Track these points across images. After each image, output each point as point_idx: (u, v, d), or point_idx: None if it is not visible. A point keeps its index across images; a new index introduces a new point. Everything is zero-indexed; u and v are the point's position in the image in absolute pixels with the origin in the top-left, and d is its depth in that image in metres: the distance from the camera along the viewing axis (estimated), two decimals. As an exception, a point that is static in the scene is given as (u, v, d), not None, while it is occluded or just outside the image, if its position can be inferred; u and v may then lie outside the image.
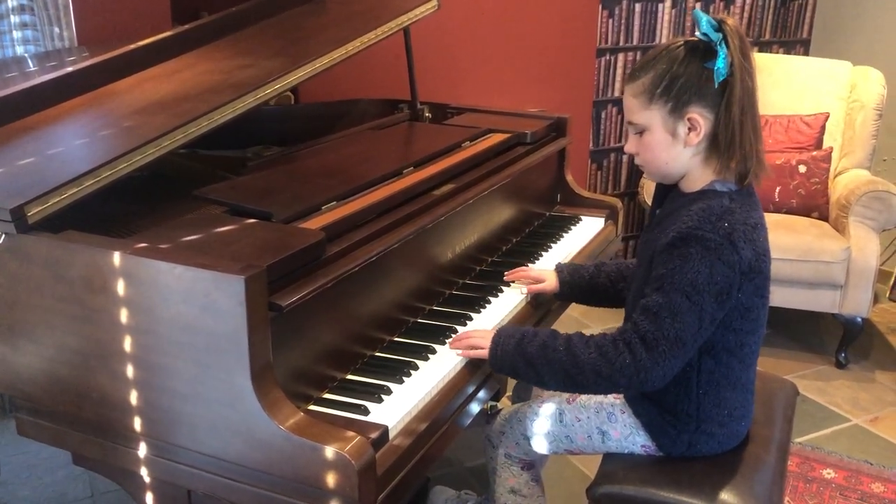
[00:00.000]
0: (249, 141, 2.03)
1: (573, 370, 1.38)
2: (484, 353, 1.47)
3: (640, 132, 1.44)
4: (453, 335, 1.55)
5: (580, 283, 1.78)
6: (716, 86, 1.35)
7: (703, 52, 1.37)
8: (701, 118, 1.38)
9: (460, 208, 1.74)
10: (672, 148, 1.42)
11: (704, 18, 1.35)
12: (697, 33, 1.36)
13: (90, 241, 1.27)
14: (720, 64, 1.34)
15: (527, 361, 1.42)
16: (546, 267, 1.93)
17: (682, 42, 1.40)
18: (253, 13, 2.13)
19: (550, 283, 1.80)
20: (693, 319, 1.33)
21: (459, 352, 1.50)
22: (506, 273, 1.82)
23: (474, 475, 2.34)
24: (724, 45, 1.34)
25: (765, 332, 1.51)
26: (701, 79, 1.36)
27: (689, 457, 1.51)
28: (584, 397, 1.61)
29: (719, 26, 1.35)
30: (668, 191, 1.52)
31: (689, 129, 1.39)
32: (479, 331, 1.54)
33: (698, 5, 3.79)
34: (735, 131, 1.36)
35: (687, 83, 1.37)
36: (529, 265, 1.93)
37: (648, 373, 1.34)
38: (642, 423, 1.52)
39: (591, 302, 1.82)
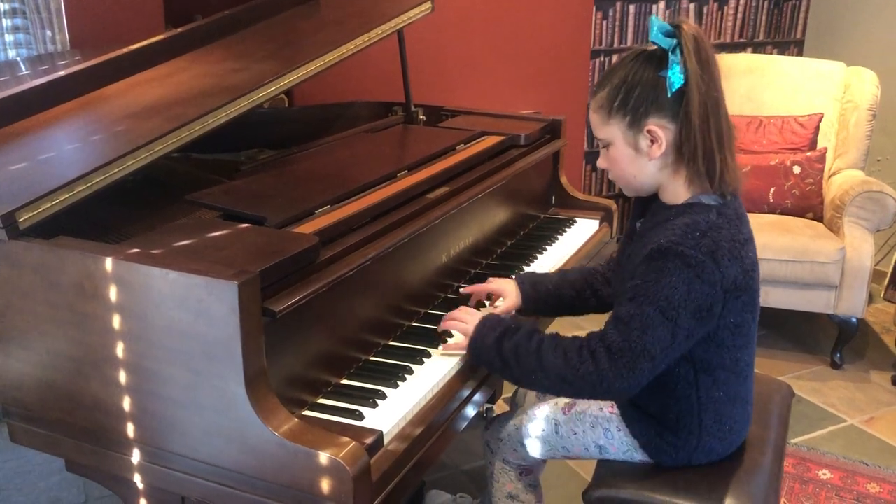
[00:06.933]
0: (243, 144, 2.02)
1: (540, 373, 1.36)
2: (465, 342, 1.46)
3: (607, 146, 1.39)
4: (448, 339, 1.54)
5: (544, 296, 1.66)
6: (668, 95, 1.29)
7: (658, 60, 1.31)
8: (661, 130, 1.32)
9: (455, 211, 1.74)
10: (636, 161, 1.36)
11: (656, 25, 1.30)
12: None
13: (82, 247, 1.26)
14: (672, 72, 1.27)
15: (502, 360, 1.40)
16: (541, 266, 1.92)
17: (640, 51, 1.35)
18: (246, 16, 2.12)
19: (511, 299, 1.64)
20: (665, 334, 1.28)
21: (441, 348, 1.49)
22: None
23: (470, 478, 2.34)
24: (678, 51, 1.28)
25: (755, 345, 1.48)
26: (657, 89, 1.30)
27: (685, 463, 1.50)
28: (579, 407, 1.57)
29: (674, 31, 1.29)
30: (649, 203, 1.44)
31: (651, 141, 1.33)
32: (470, 313, 1.51)
33: (692, 7, 3.80)
34: (697, 142, 1.30)
35: (642, 94, 1.31)
36: (524, 268, 1.93)
37: (611, 384, 1.30)
38: (640, 443, 1.49)
39: (556, 314, 1.74)
